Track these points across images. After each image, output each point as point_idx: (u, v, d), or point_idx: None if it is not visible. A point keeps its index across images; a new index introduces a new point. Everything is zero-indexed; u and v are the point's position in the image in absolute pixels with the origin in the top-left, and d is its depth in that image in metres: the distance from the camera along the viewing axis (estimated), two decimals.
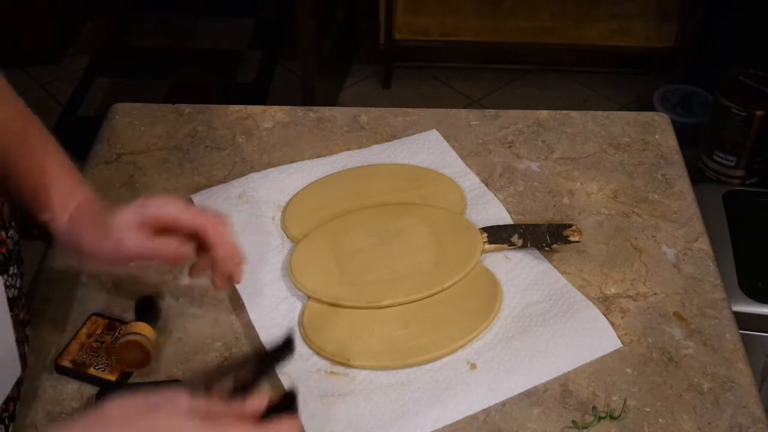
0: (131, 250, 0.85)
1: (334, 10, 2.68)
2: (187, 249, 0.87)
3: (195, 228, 0.86)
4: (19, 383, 0.82)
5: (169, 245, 0.86)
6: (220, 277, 0.89)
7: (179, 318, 0.93)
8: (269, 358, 0.84)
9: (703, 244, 1.02)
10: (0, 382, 0.78)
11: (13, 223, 0.87)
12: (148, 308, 0.91)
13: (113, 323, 0.91)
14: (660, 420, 0.83)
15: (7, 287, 0.80)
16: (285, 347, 0.83)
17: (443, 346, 0.88)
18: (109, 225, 0.85)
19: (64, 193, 0.87)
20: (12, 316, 0.80)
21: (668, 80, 2.67)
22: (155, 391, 0.66)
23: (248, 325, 0.92)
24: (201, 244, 0.87)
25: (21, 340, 0.84)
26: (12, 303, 0.81)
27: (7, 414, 0.80)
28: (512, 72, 2.84)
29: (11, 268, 0.84)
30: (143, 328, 0.87)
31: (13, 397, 0.82)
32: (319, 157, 1.13)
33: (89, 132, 1.18)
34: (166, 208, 0.86)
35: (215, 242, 0.86)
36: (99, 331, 0.90)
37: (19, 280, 0.86)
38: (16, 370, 0.80)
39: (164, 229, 0.86)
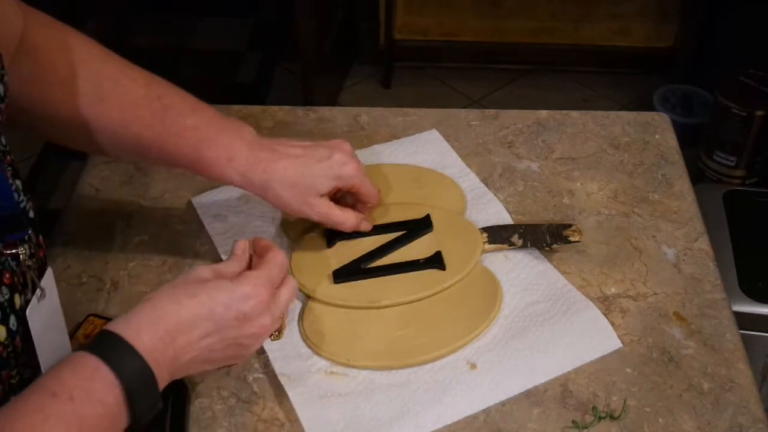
0: (319, 214, 0.92)
1: (334, 10, 2.68)
2: (367, 225, 0.97)
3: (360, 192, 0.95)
4: None
5: (354, 217, 0.95)
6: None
7: None
8: None
9: (703, 244, 1.02)
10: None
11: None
12: None
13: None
14: (660, 420, 0.83)
15: None
16: None
17: (443, 346, 0.88)
18: (299, 181, 0.90)
19: (229, 145, 0.90)
20: None
21: (668, 80, 2.67)
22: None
23: None
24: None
25: None
26: None
27: None
28: (512, 72, 2.84)
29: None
30: None
31: None
32: None
33: None
34: (356, 180, 0.93)
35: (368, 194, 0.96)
36: (96, 331, 0.90)
37: None
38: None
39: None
